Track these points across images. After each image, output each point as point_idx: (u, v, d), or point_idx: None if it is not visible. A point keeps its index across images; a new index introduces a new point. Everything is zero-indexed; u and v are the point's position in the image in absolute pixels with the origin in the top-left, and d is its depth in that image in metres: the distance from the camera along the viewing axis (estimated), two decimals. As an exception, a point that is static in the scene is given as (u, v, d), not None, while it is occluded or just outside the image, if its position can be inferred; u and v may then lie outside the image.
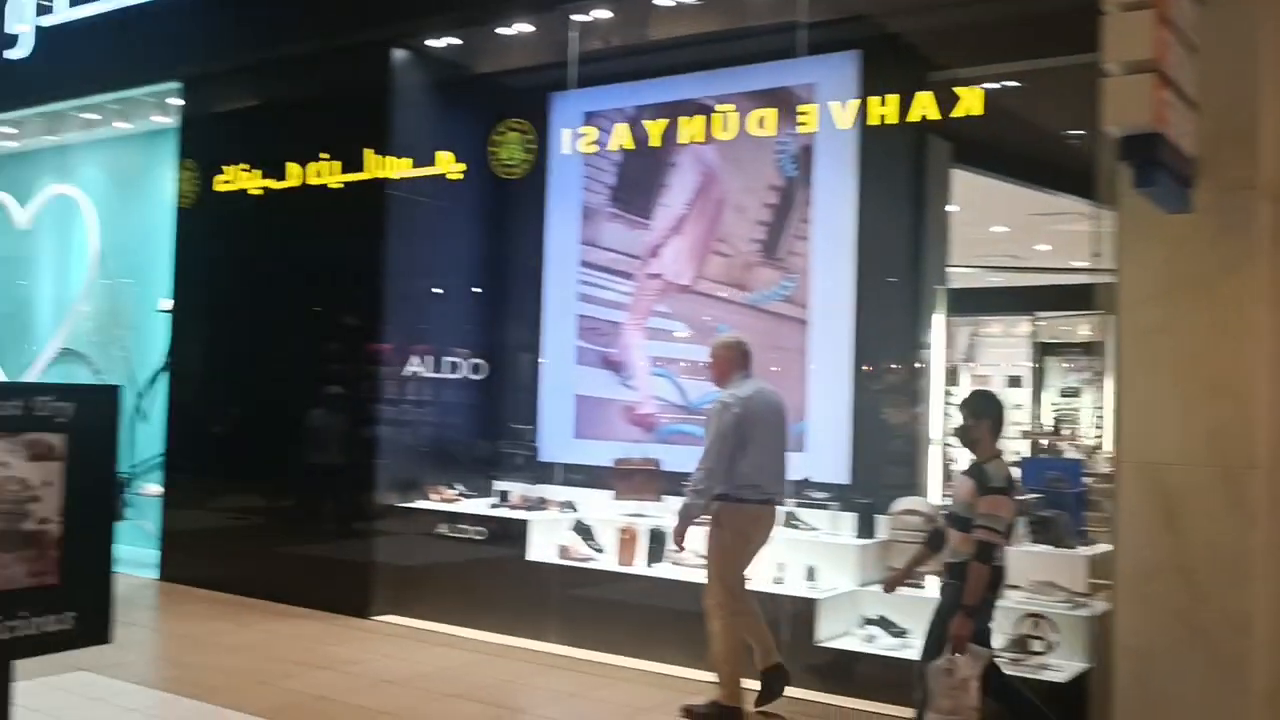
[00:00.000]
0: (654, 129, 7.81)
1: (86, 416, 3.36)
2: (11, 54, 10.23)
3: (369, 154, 8.29)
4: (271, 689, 6.13)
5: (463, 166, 8.42)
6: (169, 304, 9.69)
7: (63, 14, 9.88)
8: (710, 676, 5.96)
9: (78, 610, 3.38)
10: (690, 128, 7.64)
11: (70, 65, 9.89)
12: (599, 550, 7.54)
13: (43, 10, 10.05)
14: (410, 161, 8.28)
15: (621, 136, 8.04)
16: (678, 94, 8.01)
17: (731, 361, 6.08)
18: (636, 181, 8.39)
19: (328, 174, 8.50)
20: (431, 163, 8.32)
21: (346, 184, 8.41)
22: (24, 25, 10.17)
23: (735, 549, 5.90)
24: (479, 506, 8.10)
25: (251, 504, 8.96)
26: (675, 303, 8.17)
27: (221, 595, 8.41)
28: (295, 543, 8.60)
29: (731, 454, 5.81)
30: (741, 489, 5.83)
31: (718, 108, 7.58)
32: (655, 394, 8.22)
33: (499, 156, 8.71)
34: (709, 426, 5.93)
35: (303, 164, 8.60)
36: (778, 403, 6.12)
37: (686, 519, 5.91)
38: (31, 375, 11.38)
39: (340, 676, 6.45)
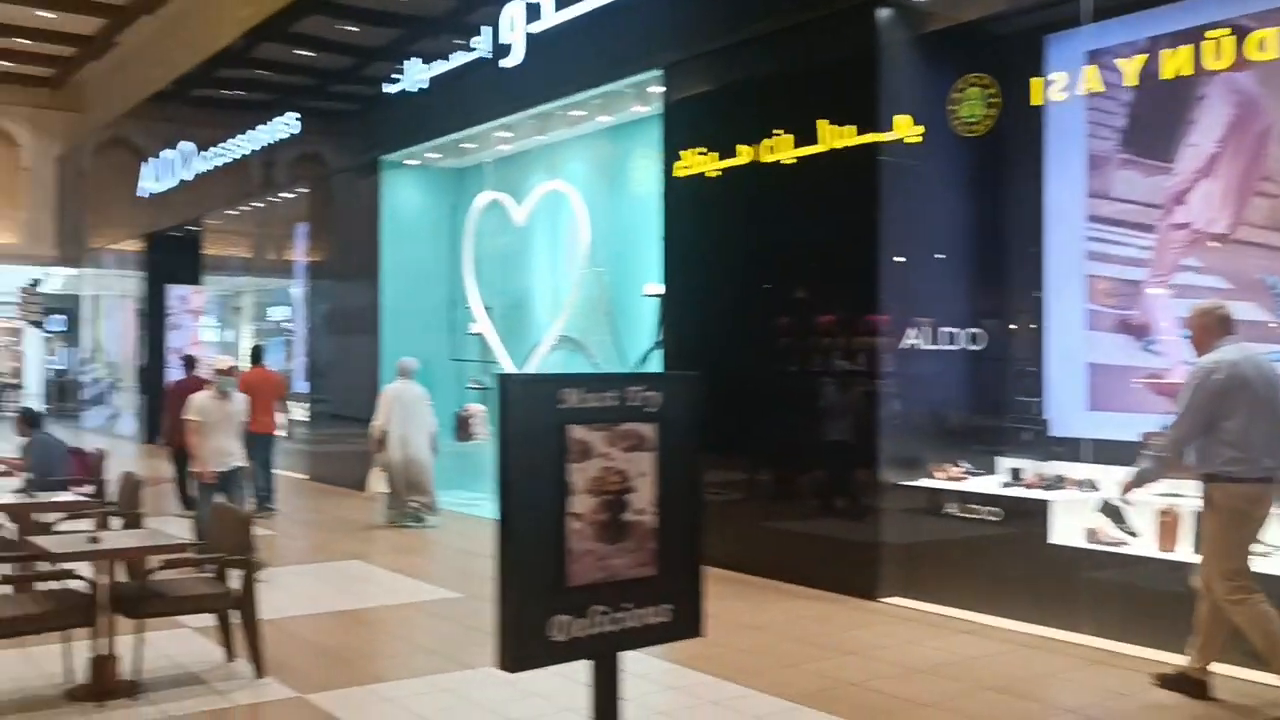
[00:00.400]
0: (1175, 60, 6.95)
1: (673, 405, 3.30)
2: (506, 63, 10.98)
3: (823, 124, 8.06)
4: (801, 672, 6.04)
5: (920, 129, 7.94)
6: (656, 288, 9.99)
7: (550, 19, 10.44)
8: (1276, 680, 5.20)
9: (673, 602, 3.34)
10: (1221, 53, 6.71)
11: (559, 66, 10.46)
12: (1133, 534, 6.82)
13: (531, 17, 10.69)
14: (877, 127, 7.90)
15: (1134, 72, 7.22)
16: (1204, 17, 7.04)
17: (1210, 328, 5.60)
18: (1153, 121, 7.50)
19: (799, 147, 8.32)
20: (891, 128, 7.91)
21: (824, 154, 8.19)
22: (515, 34, 10.87)
23: (1234, 530, 5.36)
24: (988, 485, 7.62)
25: (744, 480, 9.01)
26: (1208, 255, 7.22)
27: (727, 573, 8.51)
28: (795, 520, 8.55)
29: (1209, 426, 5.41)
30: (1228, 465, 5.33)
31: (1257, 26, 6.58)
32: (1185, 360, 7.32)
33: (959, 114, 8.13)
34: (1183, 395, 5.51)
35: (775, 135, 8.50)
36: (1270, 369, 5.48)
37: (1138, 483, 5.80)
38: (534, 363, 12.24)
39: (867, 662, 6.25)
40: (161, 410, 15.07)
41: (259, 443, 11.59)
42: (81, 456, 9.91)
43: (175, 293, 22.79)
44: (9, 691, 5.58)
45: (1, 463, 9.63)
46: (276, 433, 12.22)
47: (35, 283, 30.79)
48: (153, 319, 22.70)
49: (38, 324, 31.45)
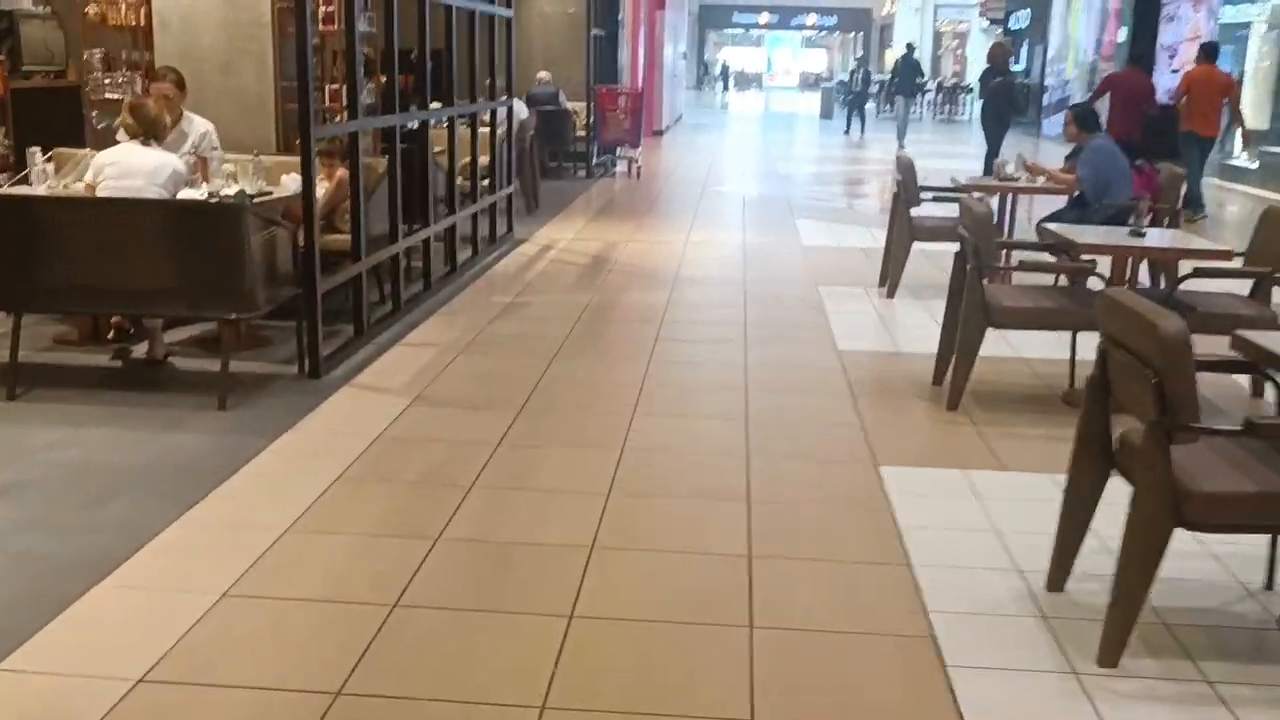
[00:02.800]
0: None
1: None
2: None
3: None
4: None
5: None
6: None
7: None
8: None
9: None
10: None
11: None
12: None
13: None
14: None
15: None
16: None
17: None
18: None
19: None
20: None
21: None
22: None
23: None
24: None
25: None
26: None
27: None
28: None
29: None
30: None
31: None
32: None
33: None
34: None
35: None
36: None
37: None
38: None
39: None
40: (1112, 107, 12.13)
41: (1196, 144, 11.68)
42: (1143, 173, 7.32)
43: (1173, -24, 19.06)
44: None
45: (1041, 174, 7.43)
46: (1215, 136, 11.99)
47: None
48: (1143, 9, 19.28)
49: (999, 21, 29.75)
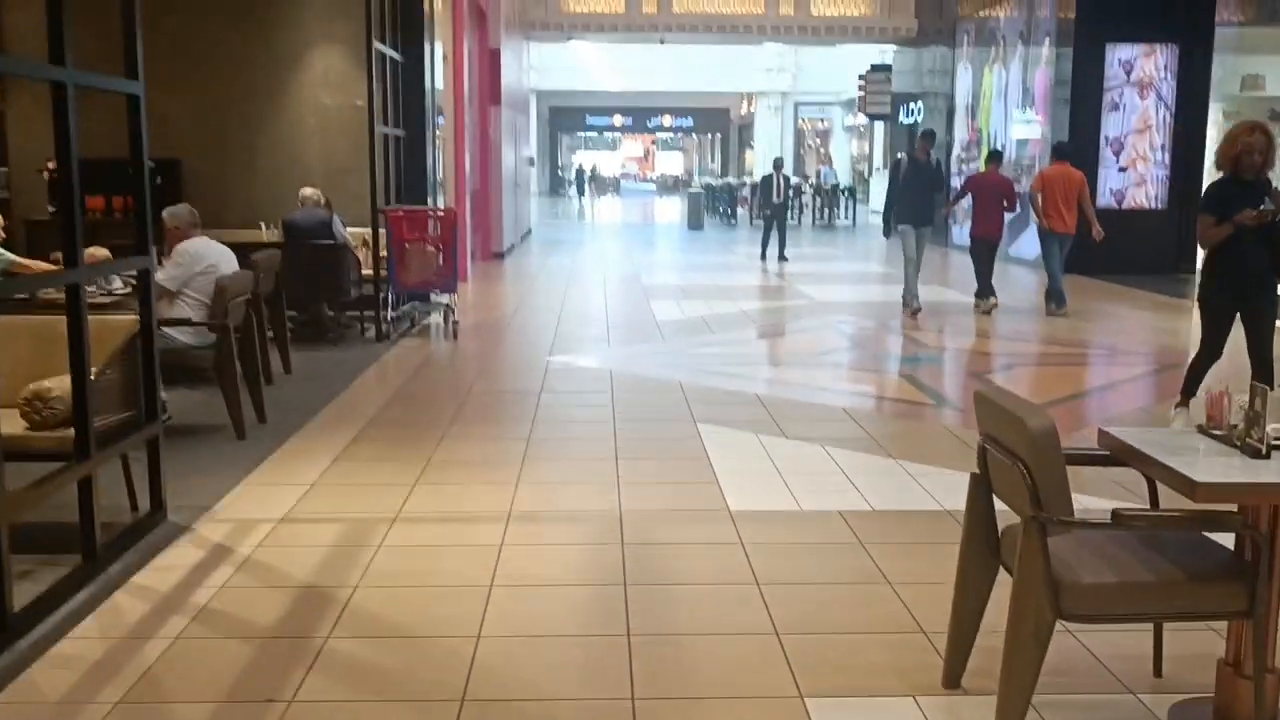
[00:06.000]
0: None
1: None
2: None
3: None
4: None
5: None
6: None
7: None
8: None
9: None
10: None
11: None
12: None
13: None
14: None
15: None
16: None
17: None
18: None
19: None
20: None
21: None
22: None
23: None
24: None
25: None
26: None
27: None
28: None
29: None
30: None
31: None
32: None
33: None
34: None
35: None
36: None
37: None
38: None
39: None
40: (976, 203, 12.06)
41: (1055, 240, 11.56)
42: None
43: (1116, 55, 15.67)
44: None
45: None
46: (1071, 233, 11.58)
47: (881, 67, 25.74)
48: (1082, 95, 15.79)
49: (884, 117, 26.48)
